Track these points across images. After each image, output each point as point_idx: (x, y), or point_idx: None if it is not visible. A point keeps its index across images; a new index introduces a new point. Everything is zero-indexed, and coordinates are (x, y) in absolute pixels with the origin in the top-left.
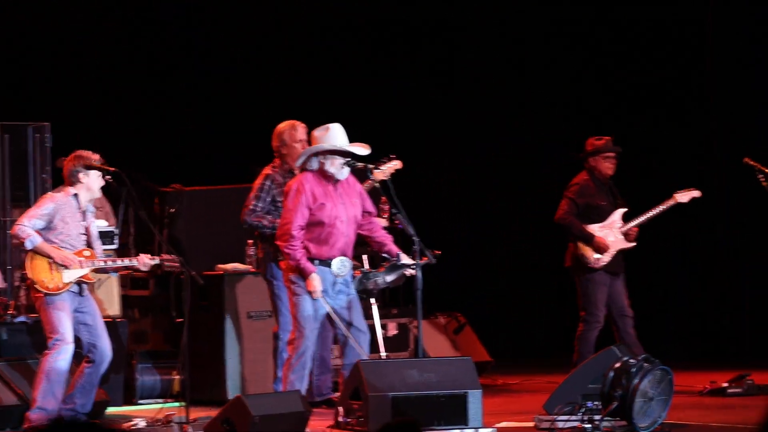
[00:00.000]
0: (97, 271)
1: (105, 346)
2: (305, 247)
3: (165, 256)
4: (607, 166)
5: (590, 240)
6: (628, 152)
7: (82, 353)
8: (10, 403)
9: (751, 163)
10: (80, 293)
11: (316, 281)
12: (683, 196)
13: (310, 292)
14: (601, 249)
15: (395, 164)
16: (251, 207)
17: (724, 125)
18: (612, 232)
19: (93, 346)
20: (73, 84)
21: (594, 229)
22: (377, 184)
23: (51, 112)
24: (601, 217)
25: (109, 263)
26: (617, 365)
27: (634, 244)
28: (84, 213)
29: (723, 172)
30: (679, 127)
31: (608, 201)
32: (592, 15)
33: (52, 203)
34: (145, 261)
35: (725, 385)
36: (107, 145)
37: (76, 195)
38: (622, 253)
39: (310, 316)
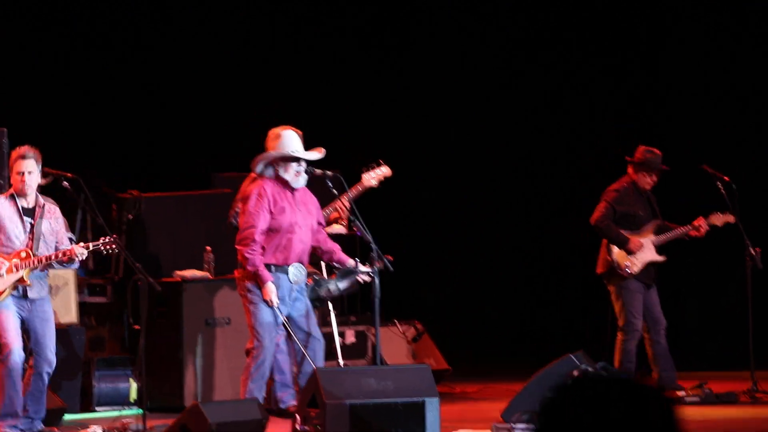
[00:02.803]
0: (46, 268)
1: (47, 354)
2: (263, 253)
3: (103, 239)
4: (647, 181)
5: (625, 243)
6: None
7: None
8: None
9: (709, 170)
10: (24, 296)
11: (272, 290)
12: (718, 219)
13: (266, 301)
14: (635, 249)
15: (384, 171)
16: (237, 209)
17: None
18: (645, 242)
19: (36, 354)
20: (29, 89)
21: (628, 235)
22: (334, 189)
23: (8, 118)
24: (636, 226)
25: (44, 261)
26: (575, 373)
27: (664, 257)
28: (33, 212)
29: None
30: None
31: (645, 211)
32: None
33: None
34: (77, 250)
35: (682, 393)
36: (65, 151)
37: (12, 196)
38: (654, 266)
39: (269, 325)
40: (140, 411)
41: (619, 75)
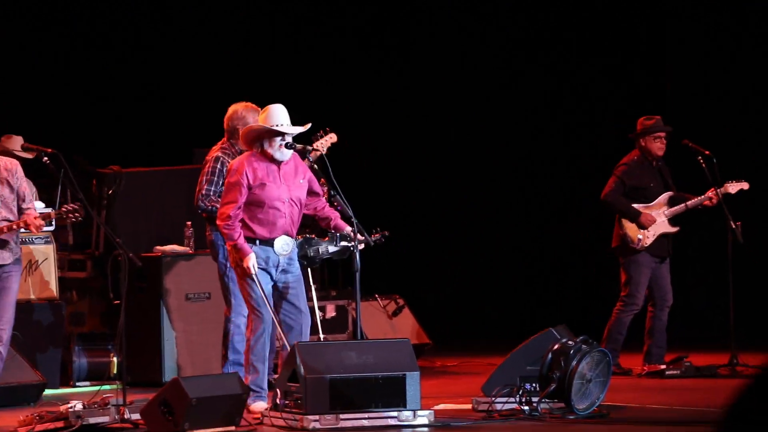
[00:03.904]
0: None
1: None
2: (247, 227)
3: (65, 207)
4: (657, 146)
5: (636, 217)
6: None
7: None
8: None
9: (691, 145)
10: None
11: (252, 260)
12: (733, 187)
13: (247, 271)
14: (647, 223)
15: (331, 137)
16: (204, 191)
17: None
18: (657, 214)
19: None
20: (7, 63)
21: (640, 208)
22: (315, 164)
23: None
24: (648, 198)
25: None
26: (556, 347)
27: (677, 228)
28: None
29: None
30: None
31: (656, 182)
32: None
33: None
34: (30, 221)
35: (663, 367)
36: (45, 125)
37: None
38: (667, 238)
39: (263, 297)
40: (120, 386)
41: (619, 75)
